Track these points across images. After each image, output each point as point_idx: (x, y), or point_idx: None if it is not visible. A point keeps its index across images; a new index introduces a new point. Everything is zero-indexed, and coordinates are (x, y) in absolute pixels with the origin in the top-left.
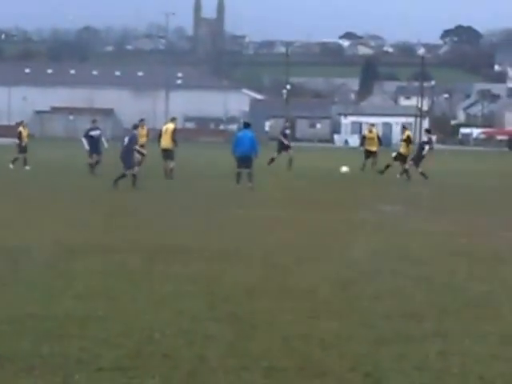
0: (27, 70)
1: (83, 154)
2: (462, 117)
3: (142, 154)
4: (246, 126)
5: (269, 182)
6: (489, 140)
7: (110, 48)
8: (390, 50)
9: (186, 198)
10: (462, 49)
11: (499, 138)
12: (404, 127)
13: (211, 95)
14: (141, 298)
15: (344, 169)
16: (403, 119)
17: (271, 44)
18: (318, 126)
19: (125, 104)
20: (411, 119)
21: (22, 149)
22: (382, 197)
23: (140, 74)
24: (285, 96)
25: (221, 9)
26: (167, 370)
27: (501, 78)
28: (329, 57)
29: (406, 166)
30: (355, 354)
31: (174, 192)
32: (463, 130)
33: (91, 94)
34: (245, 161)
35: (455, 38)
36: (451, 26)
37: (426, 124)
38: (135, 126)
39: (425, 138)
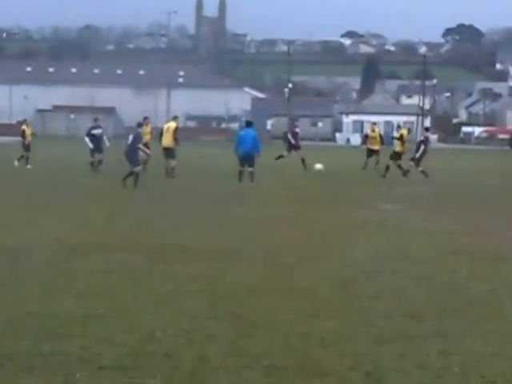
0: (28, 69)
1: (85, 152)
2: (463, 115)
3: (147, 154)
4: (249, 124)
5: (271, 180)
6: (490, 139)
7: (111, 46)
8: (392, 48)
9: (187, 196)
10: (464, 47)
11: (501, 136)
12: (399, 126)
13: (213, 94)
14: (142, 297)
15: (318, 166)
16: (405, 118)
17: (273, 42)
18: (320, 124)
19: (126, 102)
20: (413, 118)
21: (25, 147)
22: (383, 196)
23: (141, 72)
24: (286, 95)
25: (222, 7)
26: (168, 368)
27: (502, 76)
28: (330, 55)
29: (400, 163)
30: (356, 353)
31: (175, 191)
32: (465, 129)
33: (92, 93)
34: (247, 159)
35: (457, 37)
36: (453, 24)
37: (427, 123)
38: (139, 125)
39: (421, 137)
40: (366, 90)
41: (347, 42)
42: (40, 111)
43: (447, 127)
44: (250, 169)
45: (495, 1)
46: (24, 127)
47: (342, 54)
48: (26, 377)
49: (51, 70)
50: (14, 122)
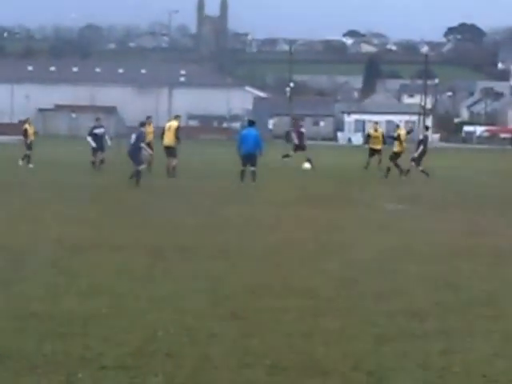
0: (30, 68)
1: (87, 151)
2: (465, 115)
3: (150, 154)
4: (251, 123)
5: (272, 180)
6: (492, 138)
7: (112, 46)
8: (394, 47)
9: (188, 196)
10: (466, 47)
11: (502, 135)
12: (397, 126)
13: (214, 93)
14: (144, 297)
15: (306, 165)
16: (406, 117)
17: (274, 42)
18: (322, 124)
19: (128, 102)
20: (414, 117)
21: (28, 146)
22: (385, 195)
23: (143, 71)
24: (288, 94)
25: (224, 6)
26: (170, 368)
27: (504, 76)
28: (332, 55)
29: (397, 162)
30: (358, 352)
31: (176, 190)
32: (466, 128)
33: (94, 92)
34: (249, 158)
35: (459, 36)
36: (455, 23)
37: (429, 122)
38: (142, 124)
39: (420, 136)
40: (368, 89)
41: (349, 41)
42: (41, 110)
43: (449, 126)
44: (252, 168)
45: (497, 0)
46: (26, 126)
47: (343, 54)
48: (28, 376)
49: (53, 69)
50: (15, 121)
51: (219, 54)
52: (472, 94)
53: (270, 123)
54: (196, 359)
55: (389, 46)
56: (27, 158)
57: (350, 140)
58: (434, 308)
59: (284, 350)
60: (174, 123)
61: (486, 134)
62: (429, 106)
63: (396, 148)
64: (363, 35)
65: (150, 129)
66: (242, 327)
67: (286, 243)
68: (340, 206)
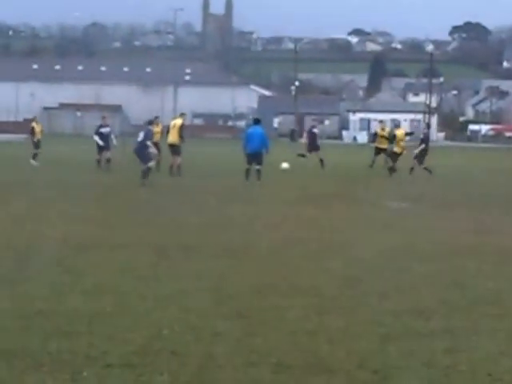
0: (35, 66)
1: (92, 150)
2: (470, 113)
3: (156, 153)
4: (256, 122)
5: (277, 178)
6: (497, 137)
7: (117, 44)
8: (399, 46)
9: (193, 194)
10: (471, 45)
11: (507, 134)
12: (395, 125)
13: (219, 91)
14: (148, 295)
15: (284, 165)
16: (412, 116)
17: (279, 40)
18: (327, 122)
19: (133, 100)
20: (420, 116)
21: (35, 144)
22: (390, 194)
23: (148, 70)
24: (293, 92)
25: (229, 5)
26: (175, 366)
27: (509, 74)
28: (337, 53)
29: (390, 164)
30: (363, 350)
31: (181, 189)
32: (472, 127)
33: (99, 90)
34: (255, 157)
35: (464, 35)
36: (460, 22)
37: (434, 121)
38: (150, 122)
39: (421, 135)
40: (373, 87)
41: (354, 39)
42: (46, 109)
43: (454, 125)
44: (258, 167)
45: None
46: (33, 124)
47: (348, 52)
48: (33, 374)
49: (57, 67)
50: (20, 119)
51: (224, 52)
52: (477, 92)
53: (275, 122)
54: (201, 358)
55: (394, 45)
56: (34, 155)
57: (355, 138)
58: (439, 307)
59: (289, 349)
60: (179, 121)
61: (491, 133)
62: (434, 104)
63: (395, 148)
64: (368, 34)
65: (157, 129)
66: (246, 326)
67: (290, 242)
68: (344, 204)
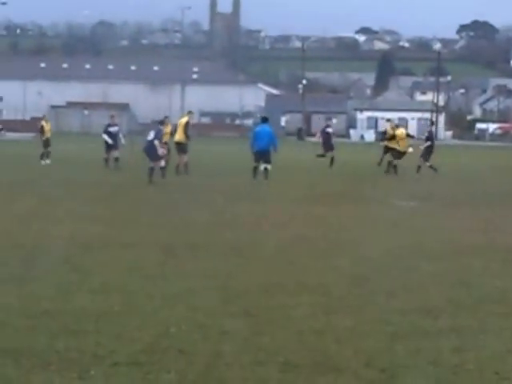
0: (42, 65)
1: (99, 149)
2: (478, 112)
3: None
4: (264, 120)
5: (285, 177)
6: (505, 135)
7: (125, 42)
8: (406, 44)
9: (200, 193)
10: (478, 44)
11: None
12: (397, 125)
13: (227, 90)
14: (156, 294)
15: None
16: (419, 114)
17: (287, 39)
18: (334, 121)
19: (140, 99)
20: (427, 114)
21: (44, 143)
22: (397, 192)
23: (155, 68)
24: (301, 91)
25: (236, 3)
26: (183, 364)
27: None
28: (345, 52)
29: (394, 162)
30: (370, 349)
31: (188, 187)
32: (479, 126)
33: (106, 89)
34: (263, 155)
35: (471, 33)
36: (467, 20)
37: (441, 119)
38: (161, 122)
39: (426, 133)
40: (380, 86)
41: (361, 38)
42: (54, 107)
43: (462, 124)
44: (266, 165)
45: None
46: (43, 123)
47: (356, 51)
48: (41, 373)
49: (65, 66)
50: (28, 118)
51: (232, 50)
52: (485, 91)
53: (283, 120)
54: (208, 356)
55: (401, 43)
56: (47, 154)
57: (362, 137)
58: (447, 305)
59: (296, 347)
60: (185, 119)
61: (498, 132)
62: (441, 103)
63: (398, 147)
64: (376, 32)
65: (167, 129)
66: (253, 324)
67: (297, 240)
68: (352, 203)
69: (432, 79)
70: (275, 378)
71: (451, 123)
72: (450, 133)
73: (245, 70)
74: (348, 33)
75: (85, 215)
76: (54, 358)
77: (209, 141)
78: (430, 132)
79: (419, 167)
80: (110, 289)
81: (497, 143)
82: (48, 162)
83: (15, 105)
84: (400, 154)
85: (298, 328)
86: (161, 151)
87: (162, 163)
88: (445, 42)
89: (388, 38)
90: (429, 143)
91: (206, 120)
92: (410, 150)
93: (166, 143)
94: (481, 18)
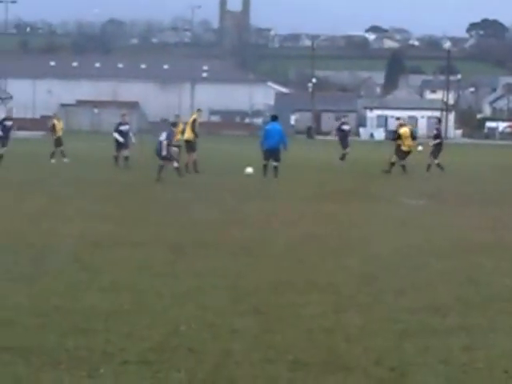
0: (52, 63)
1: (110, 147)
2: (487, 110)
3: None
4: (274, 118)
5: (295, 175)
6: None
7: (135, 41)
8: (416, 43)
9: (210, 191)
10: (488, 42)
11: None
12: (400, 124)
13: (237, 88)
14: (166, 292)
15: (248, 170)
16: (429, 113)
17: (297, 37)
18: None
19: (150, 97)
20: (437, 113)
21: (55, 142)
22: (407, 191)
23: (165, 66)
24: (310, 89)
25: (246, 1)
26: (192, 363)
27: None
28: (354, 50)
29: (402, 162)
30: (380, 347)
31: (198, 186)
32: (489, 124)
33: (116, 87)
34: (273, 153)
35: (481, 32)
36: (477, 19)
37: (451, 118)
38: (174, 124)
39: (434, 131)
40: (390, 84)
41: (371, 36)
42: (64, 106)
43: (471, 122)
44: (275, 163)
45: None
46: (54, 121)
47: (366, 49)
48: (50, 371)
49: (75, 64)
50: (37, 116)
51: (241, 49)
52: (494, 89)
53: (292, 119)
54: (218, 355)
55: (411, 42)
56: (61, 153)
57: (372, 135)
58: (456, 304)
59: (306, 346)
60: (193, 117)
61: (508, 130)
62: (451, 101)
63: (403, 147)
64: (386, 31)
65: (178, 130)
66: (263, 323)
67: (307, 239)
68: (361, 201)
69: (442, 78)
70: (285, 377)
71: (461, 122)
72: (459, 131)
73: (254, 69)
74: (358, 31)
75: (94, 214)
76: (64, 356)
77: (218, 139)
78: (439, 129)
79: (429, 166)
80: (119, 287)
81: (507, 142)
82: (66, 160)
83: (25, 103)
84: (404, 154)
85: (308, 326)
86: (164, 152)
87: (175, 164)
88: (455, 41)
89: (398, 37)
90: (438, 141)
91: (215, 118)
92: (420, 148)
93: (179, 146)
94: (491, 17)
